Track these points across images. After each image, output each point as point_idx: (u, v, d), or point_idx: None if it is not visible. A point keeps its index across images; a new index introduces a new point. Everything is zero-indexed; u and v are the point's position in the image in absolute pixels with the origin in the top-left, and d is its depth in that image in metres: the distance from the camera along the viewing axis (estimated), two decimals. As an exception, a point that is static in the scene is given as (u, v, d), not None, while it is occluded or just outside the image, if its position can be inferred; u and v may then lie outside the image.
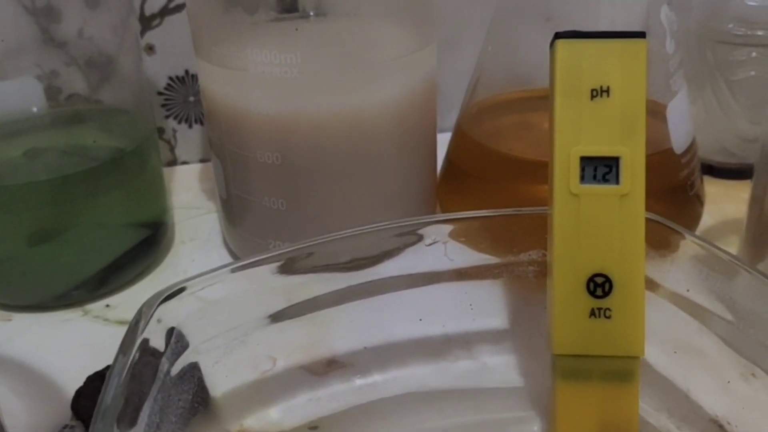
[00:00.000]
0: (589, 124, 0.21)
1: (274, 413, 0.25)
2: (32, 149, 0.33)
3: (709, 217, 0.36)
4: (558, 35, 0.21)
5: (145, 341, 0.19)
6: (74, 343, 0.30)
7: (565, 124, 0.21)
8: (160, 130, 0.44)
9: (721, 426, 0.23)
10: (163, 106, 0.43)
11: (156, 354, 0.20)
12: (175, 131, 0.44)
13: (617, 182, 0.21)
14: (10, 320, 0.32)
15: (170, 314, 0.21)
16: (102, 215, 0.32)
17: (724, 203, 0.37)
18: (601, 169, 0.21)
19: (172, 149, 0.44)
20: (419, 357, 0.26)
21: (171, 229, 0.36)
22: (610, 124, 0.21)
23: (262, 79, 0.27)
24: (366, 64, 0.28)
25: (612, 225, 0.21)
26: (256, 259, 0.24)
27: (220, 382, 0.24)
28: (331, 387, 0.26)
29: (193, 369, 0.21)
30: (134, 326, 0.19)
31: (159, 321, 0.20)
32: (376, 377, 0.26)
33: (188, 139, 0.44)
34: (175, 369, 0.20)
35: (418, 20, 0.30)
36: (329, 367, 0.26)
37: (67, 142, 0.34)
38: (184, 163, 0.45)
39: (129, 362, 0.18)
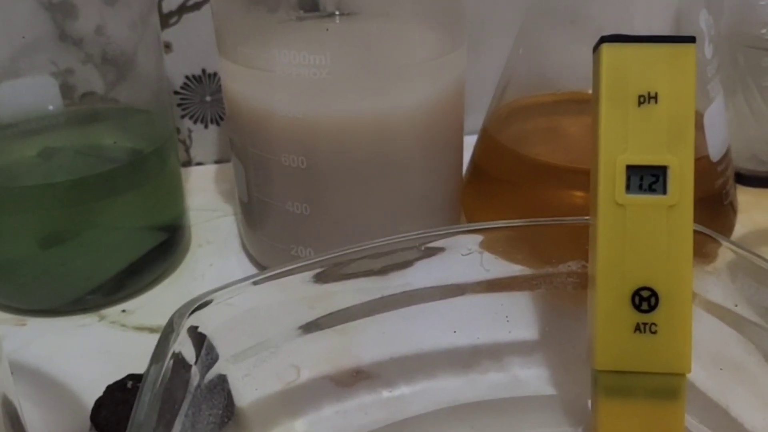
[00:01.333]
0: (635, 132, 0.20)
1: (300, 426, 0.24)
2: (47, 149, 0.32)
3: (740, 227, 0.35)
4: (603, 39, 0.20)
5: (177, 353, 0.18)
6: (91, 350, 0.29)
7: (611, 131, 0.20)
8: (176, 130, 0.43)
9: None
10: (179, 105, 0.42)
11: (186, 366, 0.19)
12: (190, 131, 0.43)
13: (665, 192, 0.20)
14: (24, 325, 0.31)
15: (200, 325, 0.20)
16: (118, 218, 0.31)
17: (755, 212, 0.36)
18: (647, 178, 0.20)
19: (187, 150, 0.44)
20: (448, 368, 0.26)
21: (188, 233, 0.36)
22: (658, 131, 0.20)
23: (288, 80, 0.26)
24: (395, 66, 0.27)
25: (659, 237, 0.20)
26: (286, 269, 0.23)
27: (247, 393, 0.23)
28: (358, 399, 0.25)
29: (223, 381, 0.20)
30: (166, 337, 0.18)
31: (189, 332, 0.19)
32: (404, 389, 0.25)
33: (204, 139, 0.43)
34: (206, 381, 0.20)
35: (448, 23, 0.29)
36: (356, 378, 0.26)
37: (83, 142, 0.33)
38: (199, 164, 0.44)
39: (162, 375, 0.17)
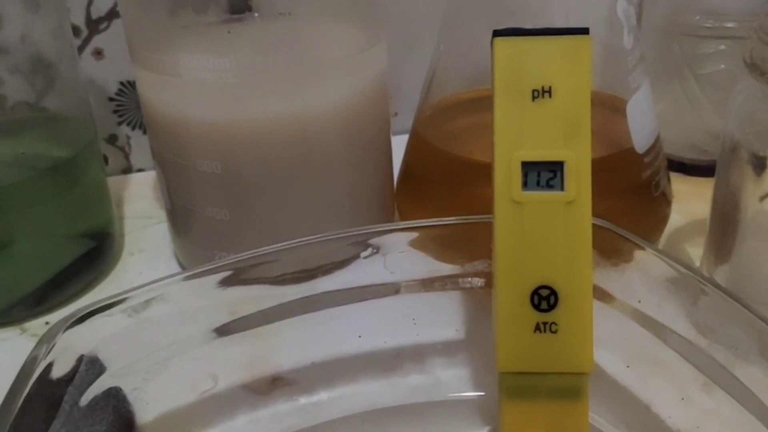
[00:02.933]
0: (530, 127, 0.19)
1: (210, 437, 0.24)
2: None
3: (678, 217, 0.35)
4: (496, 33, 0.20)
5: (48, 369, 0.18)
6: (9, 364, 0.28)
7: (506, 127, 0.20)
8: (113, 137, 0.42)
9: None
10: (115, 112, 0.42)
11: (64, 383, 0.18)
12: (129, 138, 0.42)
13: (562, 188, 0.19)
14: (-57, 339, 0.30)
15: (84, 339, 0.20)
16: (42, 226, 0.31)
17: (695, 202, 0.36)
18: (544, 174, 0.19)
19: (126, 156, 0.43)
20: (369, 373, 0.25)
21: (118, 240, 0.35)
22: (554, 126, 0.19)
23: (196, 85, 0.26)
24: (306, 65, 0.26)
25: (557, 234, 0.19)
26: (194, 272, 0.22)
27: (149, 407, 0.22)
28: (273, 407, 0.25)
29: (108, 397, 0.20)
30: (32, 357, 0.18)
31: (69, 345, 0.19)
32: (322, 395, 0.25)
33: (143, 145, 0.43)
34: (86, 397, 0.19)
35: (362, 18, 0.28)
36: (273, 385, 0.25)
37: (6, 152, 0.32)
38: (140, 170, 0.43)
39: (24, 394, 0.17)
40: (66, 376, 0.18)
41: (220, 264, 0.23)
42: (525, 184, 0.19)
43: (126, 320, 0.21)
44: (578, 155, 0.19)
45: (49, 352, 0.18)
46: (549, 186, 0.19)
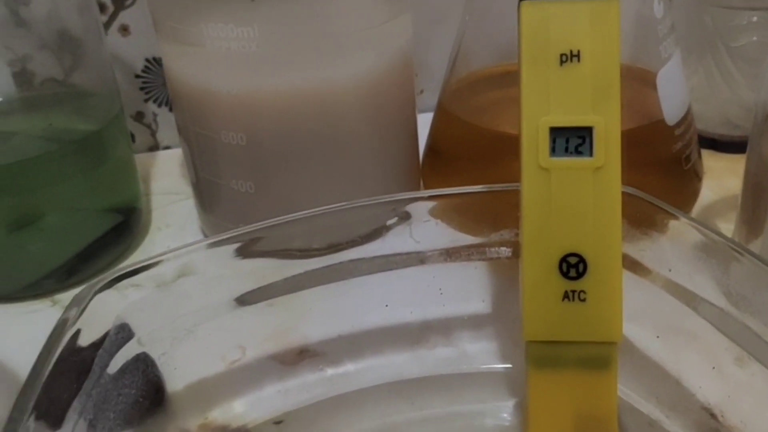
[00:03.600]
0: (558, 93, 0.19)
1: (239, 406, 0.24)
2: (1, 133, 0.32)
3: (710, 193, 0.34)
4: (523, -3, 0.19)
5: (77, 334, 0.18)
6: (41, 335, 0.29)
7: (533, 92, 0.19)
8: (140, 115, 0.43)
9: (713, 415, 0.22)
10: (142, 89, 0.42)
11: (93, 347, 0.19)
12: (155, 115, 0.43)
13: (591, 154, 0.19)
14: (-23, 312, 0.31)
15: (113, 304, 0.20)
16: (70, 201, 0.31)
17: (727, 178, 0.35)
18: (573, 140, 0.19)
19: (153, 134, 0.43)
20: (395, 345, 0.25)
21: (145, 215, 0.35)
22: (582, 91, 0.19)
23: (220, 55, 0.26)
24: (329, 36, 0.26)
25: (586, 201, 0.19)
26: (215, 240, 0.22)
27: (178, 374, 0.22)
28: (300, 377, 0.25)
29: (138, 362, 0.20)
30: (63, 319, 0.18)
31: (98, 311, 0.19)
32: (349, 366, 0.25)
33: (170, 122, 0.43)
34: (116, 362, 0.19)
35: (387, -11, 0.28)
36: (300, 356, 0.25)
37: (36, 126, 0.33)
38: (167, 147, 0.44)
39: (56, 356, 0.17)
40: (96, 340, 0.19)
41: (246, 231, 0.23)
42: (553, 150, 0.19)
43: (152, 288, 0.22)
44: (607, 120, 0.19)
45: (79, 316, 0.18)
46: (577, 152, 0.19)
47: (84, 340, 0.18)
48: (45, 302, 0.31)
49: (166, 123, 0.43)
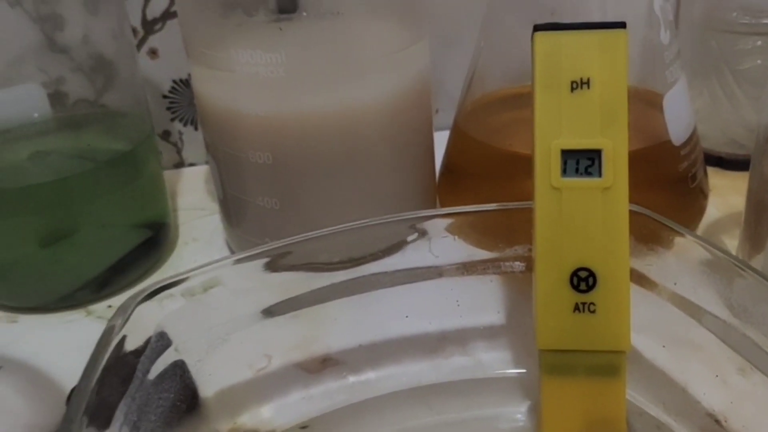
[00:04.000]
0: (569, 117, 0.20)
1: (266, 412, 0.25)
2: (36, 153, 0.33)
3: (715, 210, 0.35)
4: (537, 28, 0.21)
5: (122, 341, 0.19)
6: (77, 344, 0.30)
7: (545, 117, 0.21)
8: (167, 133, 0.44)
9: (717, 421, 0.23)
10: (169, 108, 0.44)
11: (135, 353, 0.20)
12: (181, 133, 0.44)
13: (600, 175, 0.20)
14: (15, 322, 0.32)
15: (154, 310, 0.21)
16: (103, 217, 0.33)
17: (731, 195, 0.36)
18: (583, 162, 0.21)
19: (179, 151, 0.45)
20: (413, 354, 0.26)
21: (173, 231, 0.37)
22: (591, 116, 0.20)
23: (248, 79, 0.27)
24: (352, 62, 0.28)
25: (595, 218, 0.20)
26: (245, 255, 0.24)
27: (210, 380, 0.24)
28: (324, 385, 0.26)
29: (176, 368, 0.21)
30: (110, 327, 0.19)
31: (139, 321, 0.21)
32: (370, 374, 0.26)
33: (195, 141, 0.45)
34: (156, 368, 0.21)
35: (405, 16, 0.30)
36: (323, 365, 0.27)
37: (71, 146, 0.34)
38: (192, 164, 0.45)
39: (104, 362, 0.18)
40: (139, 347, 0.20)
41: (273, 246, 0.24)
42: (564, 171, 0.20)
43: (185, 300, 0.23)
44: (615, 143, 0.20)
45: (124, 325, 0.19)
46: (587, 173, 0.20)
47: (128, 347, 0.20)
48: (80, 312, 0.32)
49: (191, 141, 0.45)
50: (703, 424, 0.23)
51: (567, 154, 0.20)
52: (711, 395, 0.23)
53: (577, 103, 0.20)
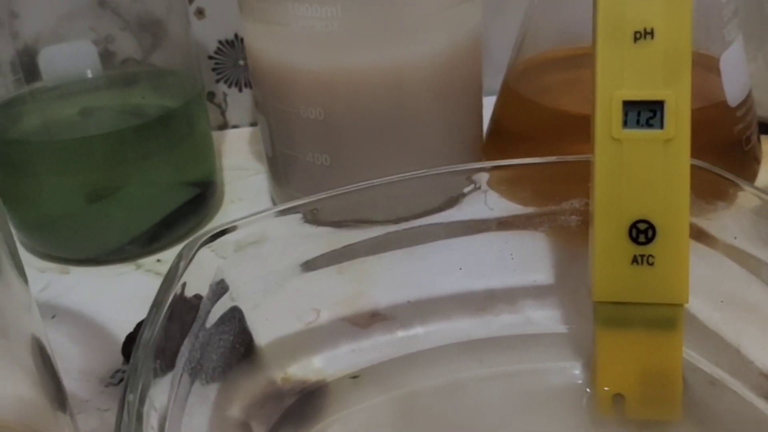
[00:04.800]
0: (632, 68, 0.20)
1: (317, 362, 0.26)
2: (87, 108, 0.34)
3: (766, 175, 0.35)
4: (601, -23, 0.21)
5: (185, 283, 0.20)
6: (127, 295, 0.31)
7: (608, 67, 0.20)
8: (211, 95, 0.45)
9: (772, 381, 0.23)
10: (214, 70, 0.44)
11: (197, 295, 0.20)
12: (225, 95, 0.45)
13: (661, 127, 0.20)
14: (67, 273, 0.33)
15: (211, 257, 0.22)
16: (153, 174, 0.33)
17: (784, 163, 0.36)
18: (644, 113, 0.20)
19: (223, 113, 0.45)
20: (462, 311, 0.26)
21: (220, 189, 0.37)
22: (654, 67, 0.20)
23: (303, 33, 0.27)
24: (407, 17, 0.27)
25: (655, 170, 0.20)
26: (295, 204, 0.24)
27: (263, 329, 0.24)
28: (373, 338, 0.26)
29: (234, 311, 0.22)
30: (174, 266, 0.19)
31: (200, 265, 0.21)
32: (419, 329, 0.26)
33: (239, 102, 0.45)
34: (216, 310, 0.21)
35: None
36: (372, 320, 0.27)
37: (120, 102, 0.35)
38: (235, 126, 0.46)
39: (169, 300, 0.19)
40: (201, 290, 0.20)
41: (321, 197, 0.24)
42: (625, 123, 0.20)
43: (233, 252, 0.23)
44: (678, 95, 0.20)
45: (187, 266, 0.20)
46: (648, 125, 0.20)
47: (189, 290, 0.20)
48: (130, 266, 0.33)
49: (235, 103, 0.45)
50: (757, 383, 0.23)
51: (628, 105, 0.20)
52: (766, 355, 0.23)
53: (640, 53, 0.20)
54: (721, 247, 0.23)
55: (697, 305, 0.24)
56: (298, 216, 0.24)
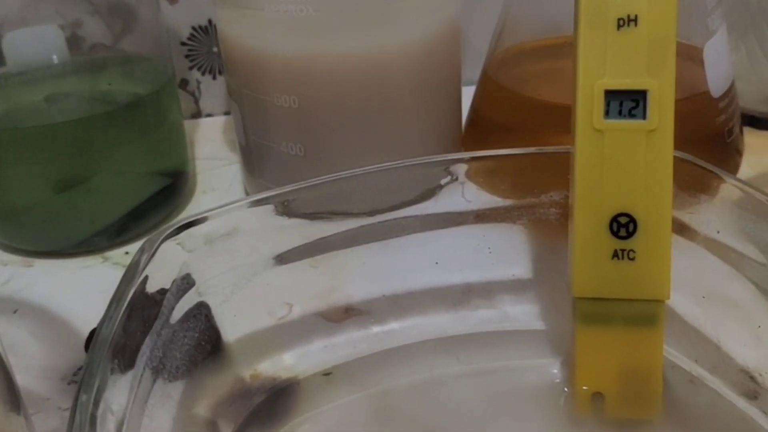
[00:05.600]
0: (614, 56, 0.19)
1: (288, 359, 0.25)
2: (53, 94, 0.33)
3: (748, 169, 0.34)
4: (583, -39, 0.20)
5: (146, 278, 0.19)
6: (93, 289, 0.30)
7: (589, 55, 0.20)
8: (184, 82, 0.44)
9: (752, 378, 0.22)
10: (187, 56, 0.43)
11: (161, 290, 0.19)
12: (199, 83, 0.44)
13: (644, 117, 0.19)
14: (31, 266, 0.32)
15: (177, 251, 0.21)
16: (122, 163, 0.32)
17: (765, 155, 0.35)
18: (627, 103, 0.20)
19: (196, 101, 0.44)
20: (438, 305, 0.26)
21: (192, 179, 0.36)
22: (638, 55, 0.19)
23: (277, 18, 0.26)
24: (383, 2, 0.27)
25: (638, 162, 0.20)
26: (267, 195, 0.23)
27: (232, 325, 0.23)
28: (347, 334, 0.25)
29: (200, 307, 0.21)
30: (136, 261, 0.19)
31: (164, 258, 0.20)
32: (394, 325, 0.26)
33: (212, 91, 0.44)
34: (181, 306, 0.20)
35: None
36: (346, 314, 0.26)
37: (88, 88, 0.33)
38: (209, 115, 0.45)
39: (129, 295, 0.18)
40: (163, 286, 0.19)
41: (294, 188, 0.23)
42: (607, 113, 0.20)
43: (203, 245, 0.22)
44: (662, 84, 0.19)
45: (150, 261, 0.19)
46: (631, 115, 0.20)
47: (152, 285, 0.19)
48: (97, 258, 0.32)
49: (209, 91, 0.44)
50: (737, 380, 0.22)
51: (611, 95, 0.20)
52: (746, 351, 0.22)
53: (623, 41, 0.19)
54: (704, 241, 0.22)
55: (677, 301, 0.23)
56: (271, 207, 0.24)
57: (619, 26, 0.19)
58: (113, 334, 0.17)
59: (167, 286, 0.20)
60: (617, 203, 0.20)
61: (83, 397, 0.15)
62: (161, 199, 0.34)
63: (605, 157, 0.20)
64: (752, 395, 0.22)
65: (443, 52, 0.30)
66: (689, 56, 0.29)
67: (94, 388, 0.15)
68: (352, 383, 0.24)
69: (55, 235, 0.32)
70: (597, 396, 0.21)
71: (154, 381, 0.18)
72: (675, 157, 0.20)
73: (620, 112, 0.20)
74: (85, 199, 0.32)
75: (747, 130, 0.36)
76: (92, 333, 0.25)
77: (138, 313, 0.18)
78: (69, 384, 0.25)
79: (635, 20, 0.19)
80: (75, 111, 0.32)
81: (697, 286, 0.23)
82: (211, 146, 0.41)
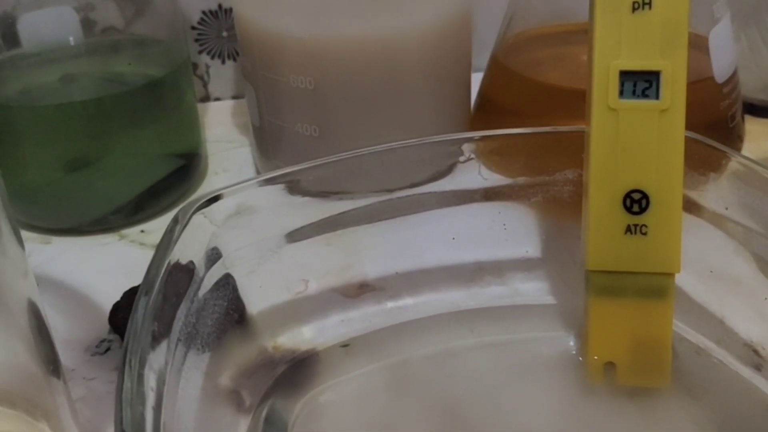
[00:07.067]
0: (629, 38, 0.20)
1: (307, 332, 0.25)
2: (68, 75, 0.33)
3: (748, 155, 0.35)
4: (599, -54, 0.20)
5: (182, 246, 0.19)
6: (111, 265, 0.30)
7: (605, 37, 0.20)
8: (194, 66, 0.44)
9: (756, 351, 0.23)
10: (197, 41, 0.43)
11: (191, 261, 0.20)
12: (208, 67, 0.44)
13: (657, 97, 0.20)
14: (49, 243, 0.32)
15: (205, 224, 0.21)
16: (138, 145, 0.33)
17: (765, 142, 0.36)
18: (640, 84, 0.20)
19: (205, 85, 0.45)
20: (451, 282, 0.27)
21: (204, 161, 0.37)
22: (652, 37, 0.20)
23: (294, 0, 0.27)
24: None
25: (650, 141, 0.20)
26: (285, 172, 0.23)
27: (254, 298, 0.24)
28: (363, 309, 0.26)
29: (228, 277, 0.21)
30: (170, 230, 0.19)
31: (194, 229, 0.20)
32: (408, 300, 0.26)
33: (221, 75, 0.44)
34: (211, 275, 0.21)
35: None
36: (361, 290, 0.27)
37: (103, 69, 0.34)
38: (218, 99, 0.45)
39: (165, 263, 0.18)
40: (195, 253, 0.20)
41: (310, 165, 0.24)
42: (621, 93, 0.20)
43: (224, 219, 0.23)
44: (674, 65, 0.20)
45: (183, 230, 0.19)
46: (644, 95, 0.20)
47: (185, 256, 0.20)
48: (113, 236, 0.33)
49: (217, 75, 0.44)
50: (741, 353, 0.23)
51: (625, 76, 0.20)
52: (749, 326, 0.23)
53: (638, 24, 0.20)
54: (712, 218, 0.23)
55: (685, 276, 0.24)
56: (287, 186, 0.24)
57: (634, 9, 0.20)
58: (152, 300, 0.17)
59: (197, 257, 0.20)
60: (630, 180, 0.20)
61: (131, 358, 0.16)
62: (175, 179, 0.34)
63: (619, 135, 0.20)
64: (756, 367, 0.23)
65: (455, 35, 0.30)
66: (695, 43, 0.30)
67: (139, 350, 0.16)
68: (369, 354, 0.24)
69: (71, 213, 0.33)
70: (609, 365, 0.22)
71: (188, 348, 0.19)
72: (686, 137, 0.20)
73: (634, 92, 0.20)
74: (101, 178, 0.32)
75: (747, 118, 0.37)
76: (116, 306, 0.26)
77: (173, 281, 0.19)
78: (93, 355, 0.26)
79: (649, 4, 0.20)
80: (90, 91, 0.33)
81: (704, 263, 0.24)
82: (222, 129, 0.41)
